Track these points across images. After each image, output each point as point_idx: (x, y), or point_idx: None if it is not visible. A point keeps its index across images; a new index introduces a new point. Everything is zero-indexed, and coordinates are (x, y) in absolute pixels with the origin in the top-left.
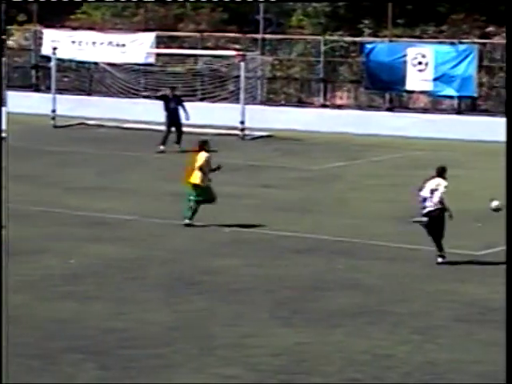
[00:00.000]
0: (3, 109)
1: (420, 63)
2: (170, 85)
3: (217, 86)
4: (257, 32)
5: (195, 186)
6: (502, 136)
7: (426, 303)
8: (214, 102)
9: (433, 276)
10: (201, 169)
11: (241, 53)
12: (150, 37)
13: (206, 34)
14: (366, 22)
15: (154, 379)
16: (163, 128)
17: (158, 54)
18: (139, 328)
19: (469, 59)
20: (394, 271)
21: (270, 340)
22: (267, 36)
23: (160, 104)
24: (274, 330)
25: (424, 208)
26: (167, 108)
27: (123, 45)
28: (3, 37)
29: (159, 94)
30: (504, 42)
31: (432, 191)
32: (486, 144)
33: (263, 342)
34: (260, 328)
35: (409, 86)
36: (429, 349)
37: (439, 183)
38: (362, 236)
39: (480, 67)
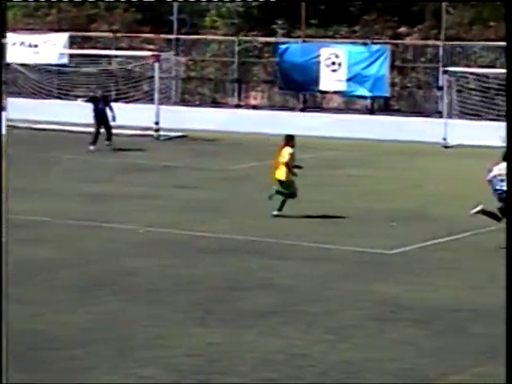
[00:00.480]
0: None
1: (333, 63)
2: (83, 85)
3: (131, 87)
4: (171, 32)
5: (280, 181)
6: (413, 136)
7: (340, 302)
8: (128, 102)
9: (346, 275)
10: (287, 164)
11: (155, 53)
12: (62, 37)
13: (119, 34)
14: (280, 22)
15: (70, 380)
16: (77, 129)
17: (72, 55)
18: (53, 330)
19: (381, 59)
20: (308, 271)
21: (185, 340)
22: (181, 36)
23: (72, 105)
24: (188, 330)
25: (496, 190)
26: (96, 109)
27: (36, 45)
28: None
29: (89, 96)
30: (415, 42)
31: (495, 176)
32: (399, 144)
33: (178, 343)
34: (175, 329)
35: (322, 87)
36: (343, 348)
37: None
38: (276, 236)
39: (392, 67)
